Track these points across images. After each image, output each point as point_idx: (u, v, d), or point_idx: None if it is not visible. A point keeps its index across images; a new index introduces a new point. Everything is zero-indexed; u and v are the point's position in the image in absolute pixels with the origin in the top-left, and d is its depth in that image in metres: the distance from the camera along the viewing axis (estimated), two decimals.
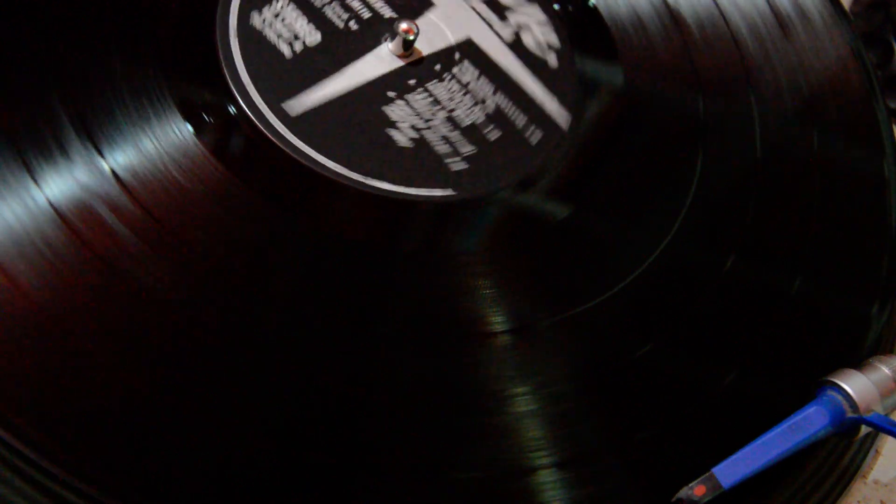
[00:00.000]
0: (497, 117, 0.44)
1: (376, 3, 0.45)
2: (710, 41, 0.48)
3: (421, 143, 0.42)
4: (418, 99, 0.43)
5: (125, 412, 0.34)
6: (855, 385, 0.37)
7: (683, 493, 0.35)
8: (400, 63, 0.44)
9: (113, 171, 0.37)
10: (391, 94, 0.43)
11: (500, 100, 0.44)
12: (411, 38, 0.43)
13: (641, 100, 0.46)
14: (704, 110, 0.46)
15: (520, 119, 0.44)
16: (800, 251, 0.44)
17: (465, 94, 0.44)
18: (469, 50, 0.45)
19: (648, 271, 0.41)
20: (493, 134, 0.43)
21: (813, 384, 0.38)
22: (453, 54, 0.45)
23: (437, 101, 0.43)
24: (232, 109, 0.40)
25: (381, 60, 0.43)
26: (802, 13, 0.50)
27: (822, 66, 0.49)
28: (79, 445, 0.33)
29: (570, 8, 0.48)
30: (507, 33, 0.46)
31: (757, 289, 0.43)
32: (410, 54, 0.44)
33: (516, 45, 0.46)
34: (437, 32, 0.45)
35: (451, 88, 0.44)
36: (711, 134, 0.46)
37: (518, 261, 0.41)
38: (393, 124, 0.42)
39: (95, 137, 0.38)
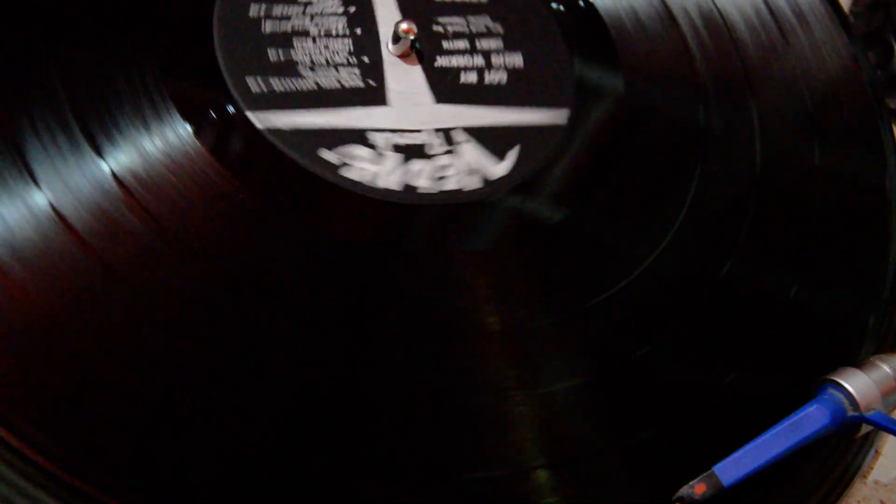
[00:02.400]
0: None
1: (345, 28, 0.45)
2: (711, 45, 0.48)
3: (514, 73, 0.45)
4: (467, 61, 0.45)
5: (125, 412, 0.34)
6: (856, 383, 0.37)
7: (684, 491, 0.35)
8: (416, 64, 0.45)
9: (112, 172, 0.37)
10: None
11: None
12: (412, 37, 0.43)
13: (641, 103, 0.46)
14: (704, 114, 0.46)
15: None
16: (800, 253, 0.44)
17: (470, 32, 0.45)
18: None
19: (648, 272, 0.41)
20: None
21: (814, 383, 0.38)
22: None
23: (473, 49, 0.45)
24: (231, 109, 0.40)
25: (409, 73, 0.44)
26: (802, 18, 0.50)
27: (822, 70, 0.49)
28: (79, 445, 0.33)
29: (570, 10, 0.48)
30: None
31: (757, 290, 0.43)
32: (412, 52, 0.44)
33: None
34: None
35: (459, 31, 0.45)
36: (711, 137, 0.46)
37: (518, 261, 0.41)
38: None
39: (95, 137, 0.38)
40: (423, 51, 0.45)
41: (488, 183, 0.42)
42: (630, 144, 0.45)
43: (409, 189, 0.41)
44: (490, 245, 0.41)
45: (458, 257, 0.40)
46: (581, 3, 0.48)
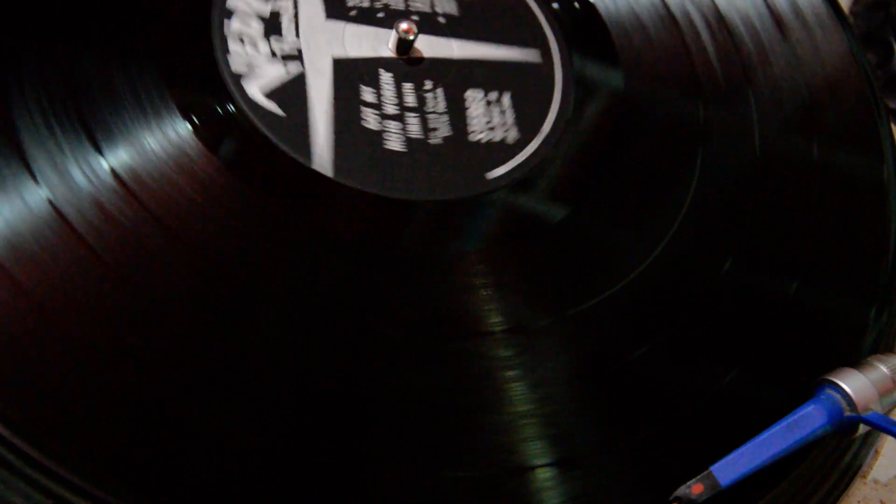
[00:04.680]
0: None
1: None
2: (710, 43, 0.48)
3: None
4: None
5: (125, 412, 0.34)
6: (853, 384, 0.37)
7: (681, 491, 0.35)
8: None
9: (112, 170, 0.37)
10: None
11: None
12: (411, 37, 0.43)
13: (640, 101, 0.46)
14: (703, 112, 0.46)
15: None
16: (799, 252, 0.44)
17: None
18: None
19: (647, 272, 0.41)
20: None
21: (811, 383, 0.38)
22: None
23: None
24: (230, 108, 0.40)
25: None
26: (801, 15, 0.50)
27: (820, 68, 0.49)
28: (78, 444, 0.33)
29: (569, 9, 0.48)
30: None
31: (756, 290, 0.43)
32: (410, 54, 0.44)
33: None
34: None
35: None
36: (710, 136, 0.46)
37: (517, 261, 0.41)
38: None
39: (95, 136, 0.38)
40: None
41: None
42: (629, 142, 0.45)
43: None
44: (489, 244, 0.41)
45: (458, 256, 0.40)
46: (581, 2, 0.48)
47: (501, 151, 0.43)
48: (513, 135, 0.43)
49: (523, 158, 0.43)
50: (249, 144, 0.40)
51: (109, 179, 0.37)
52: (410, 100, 0.43)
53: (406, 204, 0.40)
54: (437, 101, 0.44)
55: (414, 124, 0.43)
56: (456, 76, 0.45)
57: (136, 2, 0.41)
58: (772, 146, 0.46)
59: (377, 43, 0.44)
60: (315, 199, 0.40)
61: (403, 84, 0.44)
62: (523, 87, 0.45)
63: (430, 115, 0.43)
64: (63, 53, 0.39)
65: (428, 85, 0.44)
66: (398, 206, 0.40)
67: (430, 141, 0.42)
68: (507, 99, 0.44)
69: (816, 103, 0.48)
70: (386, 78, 0.44)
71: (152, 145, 0.38)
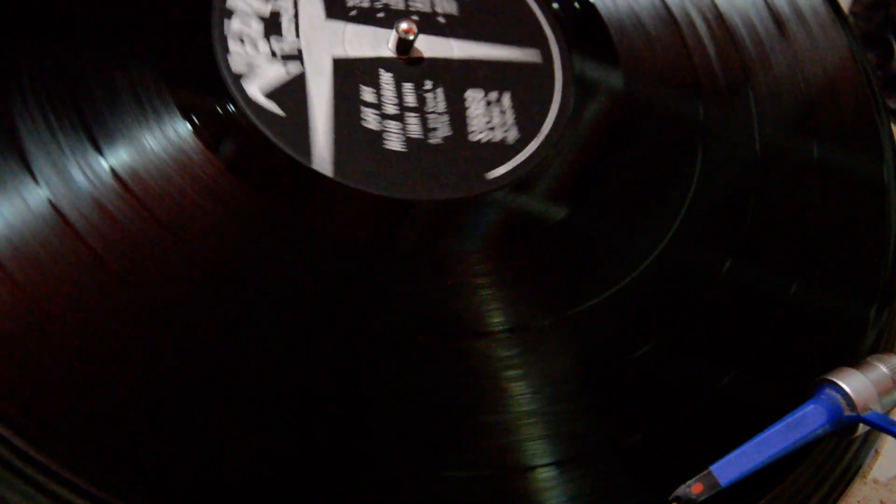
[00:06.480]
0: None
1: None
2: (709, 43, 0.48)
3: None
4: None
5: (125, 411, 0.34)
6: (853, 384, 0.37)
7: (681, 491, 0.35)
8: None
9: (112, 170, 0.37)
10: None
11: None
12: (411, 37, 0.43)
13: (640, 101, 0.46)
14: (703, 112, 0.46)
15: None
16: (799, 252, 0.44)
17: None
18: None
19: (647, 272, 0.41)
20: None
21: (811, 383, 0.38)
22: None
23: None
24: (230, 108, 0.40)
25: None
26: (800, 15, 0.50)
27: (820, 67, 0.49)
28: (79, 444, 0.33)
29: (569, 8, 0.48)
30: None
31: (756, 290, 0.43)
32: (409, 54, 0.44)
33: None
34: None
35: None
36: (710, 135, 0.46)
37: (517, 261, 0.41)
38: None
39: (95, 136, 0.38)
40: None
41: None
42: (629, 142, 0.45)
43: None
44: (488, 244, 0.41)
45: (458, 256, 0.40)
46: (581, 3, 0.48)
47: (501, 151, 0.43)
48: (513, 135, 0.44)
49: (523, 158, 0.43)
50: (249, 144, 0.40)
51: (109, 179, 0.37)
52: (410, 100, 0.43)
53: (406, 204, 0.40)
54: (437, 101, 0.44)
55: (414, 124, 0.43)
56: (456, 76, 0.45)
57: (137, 2, 0.41)
58: (772, 146, 0.46)
59: (377, 43, 0.44)
60: (315, 198, 0.40)
61: (403, 84, 0.44)
62: (523, 87, 0.45)
63: (431, 115, 0.43)
64: (63, 54, 0.39)
65: (428, 85, 0.44)
66: (398, 206, 0.40)
67: (430, 141, 0.42)
68: (507, 99, 0.44)
69: (816, 103, 0.48)
70: (386, 78, 0.43)
71: (152, 145, 0.38)
